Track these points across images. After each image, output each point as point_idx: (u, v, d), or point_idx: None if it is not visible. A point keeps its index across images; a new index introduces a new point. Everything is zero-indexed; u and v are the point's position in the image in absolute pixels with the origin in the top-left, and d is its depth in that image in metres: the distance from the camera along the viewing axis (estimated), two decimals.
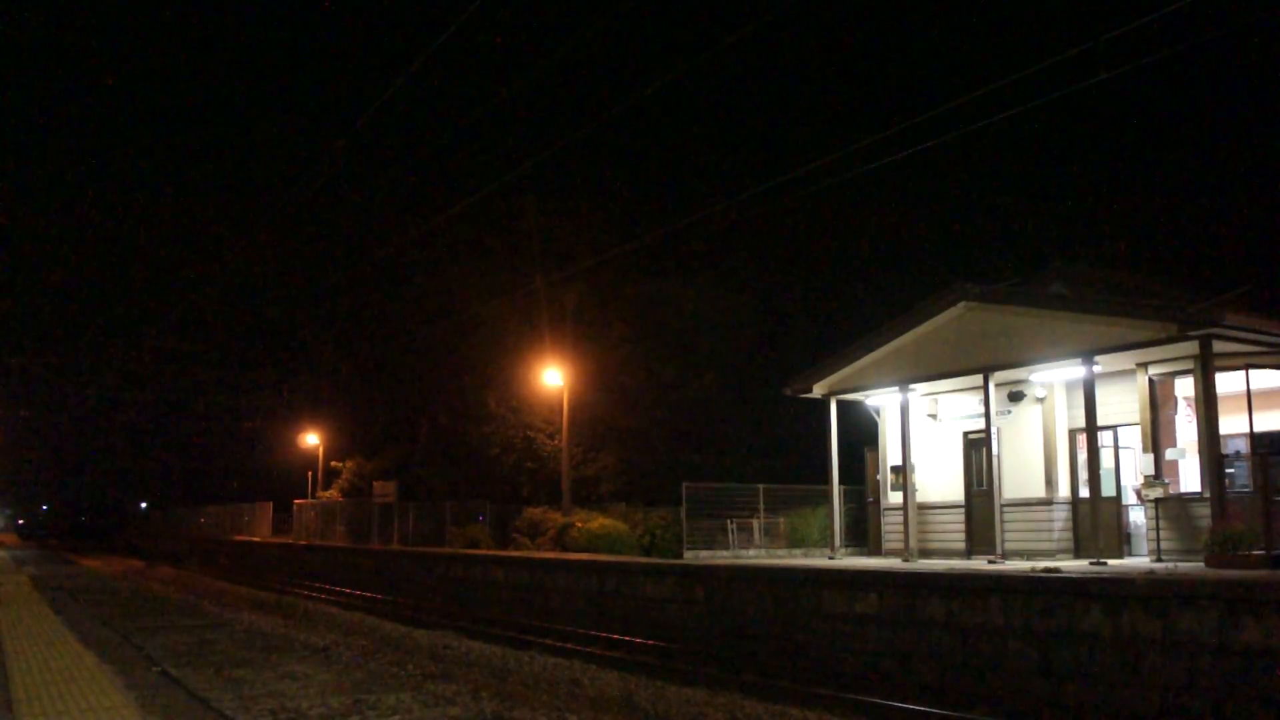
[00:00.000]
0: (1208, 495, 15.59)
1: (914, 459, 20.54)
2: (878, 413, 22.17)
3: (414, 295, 43.61)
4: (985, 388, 18.53)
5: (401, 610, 22.57)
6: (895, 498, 21.31)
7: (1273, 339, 15.90)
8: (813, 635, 15.03)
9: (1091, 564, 15.46)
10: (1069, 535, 18.58)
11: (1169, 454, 16.76)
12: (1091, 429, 16.88)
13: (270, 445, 55.56)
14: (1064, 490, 18.83)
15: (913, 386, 20.30)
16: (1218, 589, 10.55)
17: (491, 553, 26.74)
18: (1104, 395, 17.30)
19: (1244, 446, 16.36)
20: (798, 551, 22.63)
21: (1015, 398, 19.41)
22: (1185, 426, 17.25)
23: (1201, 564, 14.33)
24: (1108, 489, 17.94)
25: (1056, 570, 13.52)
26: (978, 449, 19.87)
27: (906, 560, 18.86)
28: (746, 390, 33.81)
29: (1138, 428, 17.18)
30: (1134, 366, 17.10)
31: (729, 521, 22.84)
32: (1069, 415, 18.94)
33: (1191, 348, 15.82)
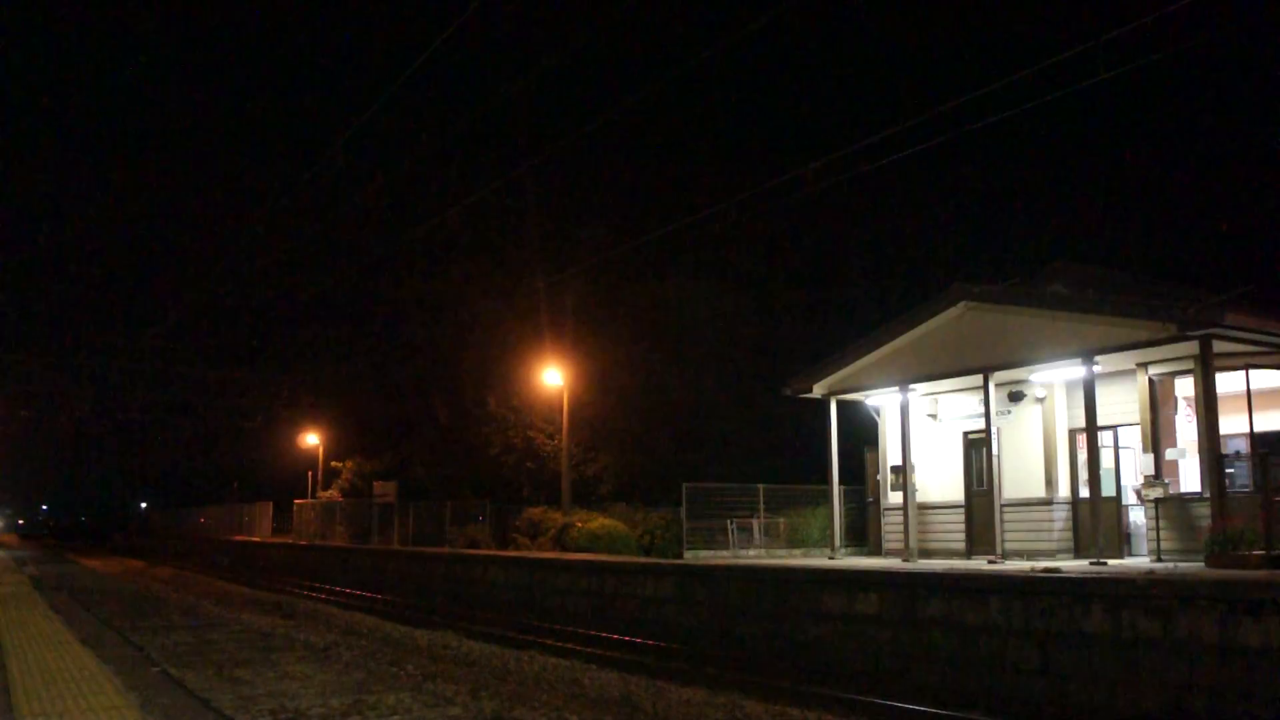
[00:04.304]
0: (1208, 495, 15.59)
1: (914, 459, 20.54)
2: (878, 413, 22.17)
3: (414, 295, 43.59)
4: (985, 388, 18.53)
5: (401, 610, 22.56)
6: (895, 498, 21.30)
7: (1273, 339, 15.90)
8: (813, 635, 15.03)
9: (1091, 564, 15.45)
10: (1069, 535, 18.58)
11: (1169, 454, 16.75)
12: (1091, 429, 16.88)
13: (270, 445, 55.53)
14: (1064, 490, 18.83)
15: (913, 386, 20.29)
16: (1218, 589, 10.55)
17: (491, 553, 26.73)
18: (1104, 395, 17.30)
19: (1244, 446, 16.35)
20: (798, 551, 22.63)
21: (1015, 398, 19.41)
22: (1185, 426, 17.24)
23: (1201, 564, 14.33)
24: (1108, 489, 17.93)
25: (1056, 570, 13.52)
26: (978, 449, 19.87)
27: (906, 560, 18.85)
28: (746, 390, 33.82)
29: (1138, 428, 17.17)
30: (1134, 366, 17.10)
31: (729, 521, 22.83)
32: (1069, 415, 18.93)
33: (1191, 348, 15.82)
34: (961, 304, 19.07)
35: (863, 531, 22.90)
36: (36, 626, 13.10)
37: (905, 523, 20.22)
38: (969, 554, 19.33)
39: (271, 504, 49.34)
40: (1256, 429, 16.27)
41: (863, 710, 11.43)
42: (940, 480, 20.83)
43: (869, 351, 20.91)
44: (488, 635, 17.77)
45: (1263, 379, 16.62)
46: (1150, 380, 17.06)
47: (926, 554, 19.94)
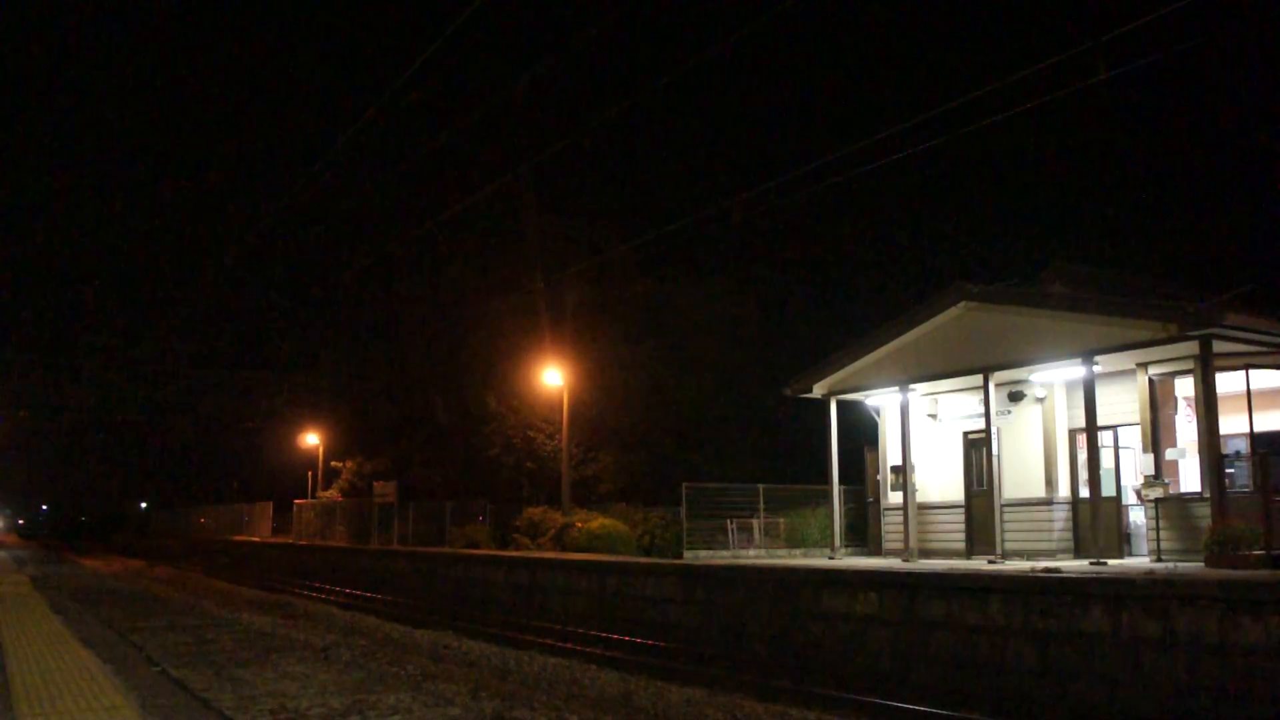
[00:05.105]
0: (1208, 495, 15.59)
1: (914, 459, 20.53)
2: (878, 413, 22.17)
3: (414, 295, 43.61)
4: (985, 388, 18.53)
5: (401, 610, 22.56)
6: (895, 498, 21.30)
7: (1273, 339, 15.90)
8: (813, 635, 15.03)
9: (1091, 564, 15.45)
10: (1069, 535, 18.58)
11: (1169, 454, 16.75)
12: (1091, 429, 16.87)
13: (270, 445, 55.54)
14: (1064, 490, 18.82)
15: (913, 386, 20.29)
16: (1218, 589, 10.55)
17: (491, 553, 26.73)
18: (1104, 395, 17.30)
19: (1244, 446, 16.35)
20: (798, 551, 22.62)
21: (1015, 398, 19.41)
22: (1185, 426, 17.24)
23: (1201, 564, 14.33)
24: (1108, 489, 17.93)
25: (1056, 570, 13.52)
26: (978, 449, 19.87)
27: (906, 560, 18.85)
28: (746, 390, 33.81)
29: (1138, 428, 17.17)
30: (1134, 366, 17.10)
31: (729, 521, 22.83)
32: (1069, 415, 18.93)
33: (1191, 348, 15.82)
34: (961, 304, 19.07)
35: (863, 531, 22.89)
36: (36, 626, 13.11)
37: (905, 523, 20.22)
38: (969, 554, 19.33)
39: (271, 504, 49.35)
40: (1256, 429, 16.27)
41: (863, 710, 11.43)
42: (940, 480, 20.83)
43: (869, 351, 20.91)
44: (488, 635, 17.77)
45: (1263, 379, 16.61)
46: (1150, 380, 17.06)
47: (926, 554, 19.94)
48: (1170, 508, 16.31)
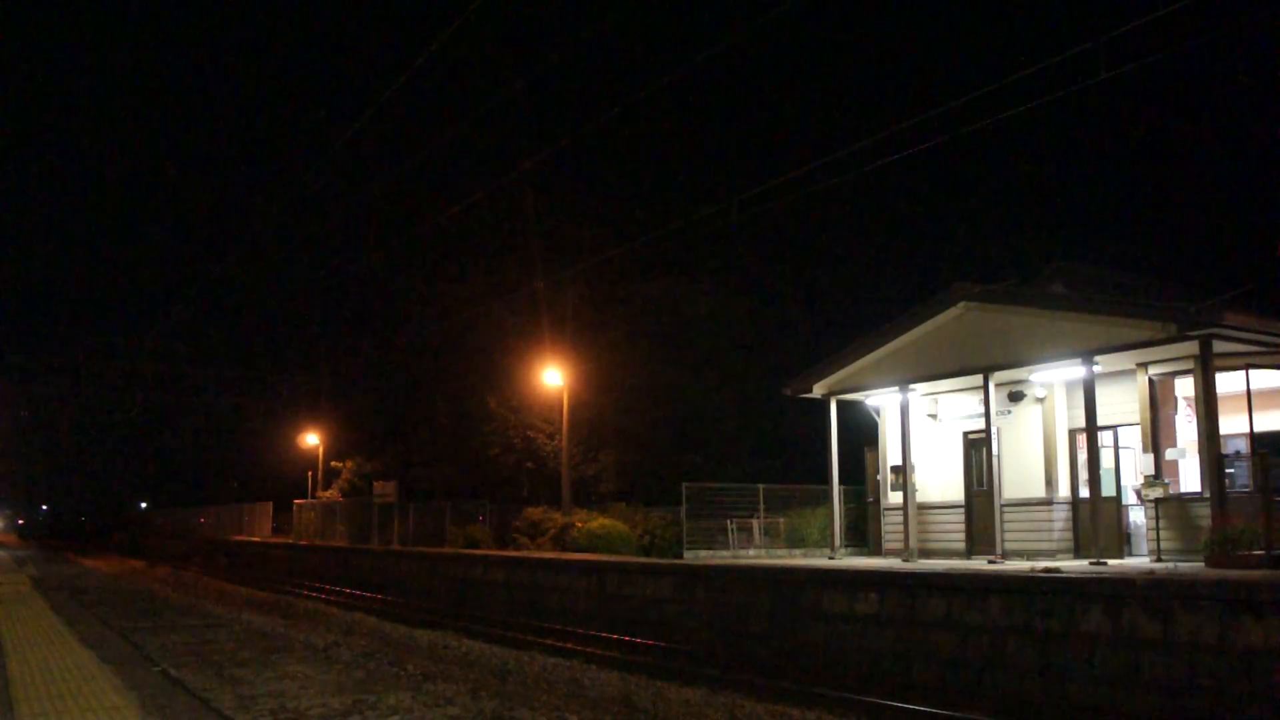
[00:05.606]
0: (1208, 495, 15.59)
1: (914, 459, 20.54)
2: (878, 413, 22.17)
3: (414, 295, 43.64)
4: (985, 388, 18.53)
5: (401, 610, 22.56)
6: (895, 498, 21.30)
7: (1273, 339, 15.90)
8: (813, 635, 15.03)
9: (1091, 564, 15.46)
10: (1069, 535, 18.58)
11: (1169, 454, 16.76)
12: (1091, 429, 16.88)
13: (270, 445, 55.53)
14: (1064, 490, 18.83)
15: (913, 386, 20.29)
16: (1218, 589, 10.55)
17: (491, 553, 26.73)
18: (1104, 395, 17.30)
19: (1244, 446, 16.35)
20: (798, 551, 22.62)
21: (1015, 398, 19.41)
22: (1185, 426, 17.25)
23: (1201, 564, 14.33)
24: (1108, 489, 17.94)
25: (1056, 570, 13.52)
26: (978, 449, 19.87)
27: (906, 560, 18.85)
28: (746, 390, 33.84)
29: (1138, 428, 17.18)
30: (1134, 366, 17.10)
31: (729, 521, 22.84)
32: (1069, 415, 18.93)
33: (1191, 348, 15.82)
34: (961, 304, 19.07)
35: (863, 531, 22.90)
36: (36, 626, 13.12)
37: (905, 523, 20.22)
38: (969, 554, 19.33)
39: (271, 504, 49.35)
40: (1256, 429, 16.27)
41: (863, 710, 11.43)
42: (940, 480, 20.83)
43: (869, 351, 20.91)
44: (488, 635, 17.77)
45: (1263, 379, 16.61)
46: (1150, 380, 17.06)
47: (926, 554, 19.94)
48: (1170, 508, 16.31)
